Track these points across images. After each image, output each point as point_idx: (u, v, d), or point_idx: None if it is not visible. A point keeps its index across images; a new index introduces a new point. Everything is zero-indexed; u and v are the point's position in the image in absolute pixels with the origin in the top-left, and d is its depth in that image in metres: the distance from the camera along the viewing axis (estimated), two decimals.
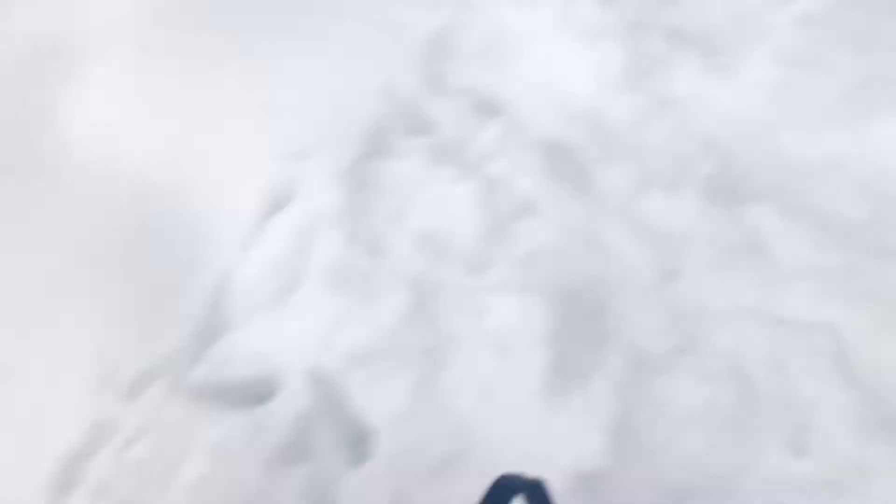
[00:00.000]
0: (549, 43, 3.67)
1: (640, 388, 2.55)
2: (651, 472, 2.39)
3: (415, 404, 2.61)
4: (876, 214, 2.88)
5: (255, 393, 2.79)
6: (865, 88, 3.16)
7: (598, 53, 3.55)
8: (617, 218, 3.03)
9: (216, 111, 3.52)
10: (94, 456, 2.75)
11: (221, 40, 3.72)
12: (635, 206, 3.06)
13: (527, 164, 3.23)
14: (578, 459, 2.40)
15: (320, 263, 3.04)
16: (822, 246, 2.82)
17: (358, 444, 2.60)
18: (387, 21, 3.81)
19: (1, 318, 3.04)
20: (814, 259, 2.79)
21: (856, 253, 2.78)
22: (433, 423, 2.57)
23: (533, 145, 3.29)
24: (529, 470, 1.67)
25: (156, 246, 3.21)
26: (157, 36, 3.86)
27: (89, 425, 2.78)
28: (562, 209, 3.10)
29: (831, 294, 2.66)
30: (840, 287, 2.68)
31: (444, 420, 2.57)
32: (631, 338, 2.68)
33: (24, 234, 3.25)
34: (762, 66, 3.29)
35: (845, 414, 2.40)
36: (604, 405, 2.51)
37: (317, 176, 3.27)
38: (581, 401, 2.53)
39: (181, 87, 3.64)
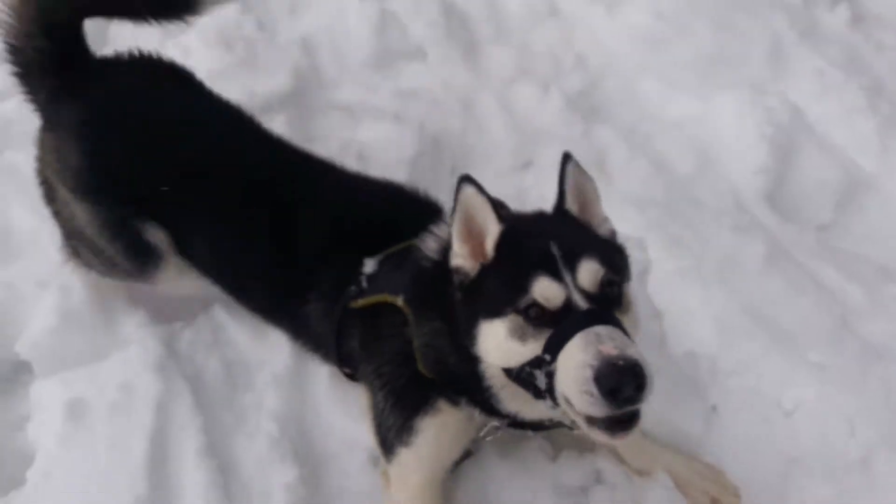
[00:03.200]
0: None
1: None
2: None
3: None
4: (699, 171, 3.16)
5: None
6: (715, 63, 3.44)
7: None
8: (493, 95, 3.23)
9: None
10: None
11: None
12: (511, 91, 3.27)
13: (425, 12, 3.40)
14: None
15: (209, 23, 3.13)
16: (651, 183, 3.07)
17: None
18: None
19: None
20: (643, 191, 3.03)
21: (677, 198, 3.02)
22: None
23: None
24: None
25: None
26: None
27: None
28: (448, 67, 3.28)
29: (650, 224, 2.86)
30: (658, 222, 2.88)
31: None
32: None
33: None
34: (640, 13, 3.50)
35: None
36: None
37: None
38: None
39: None
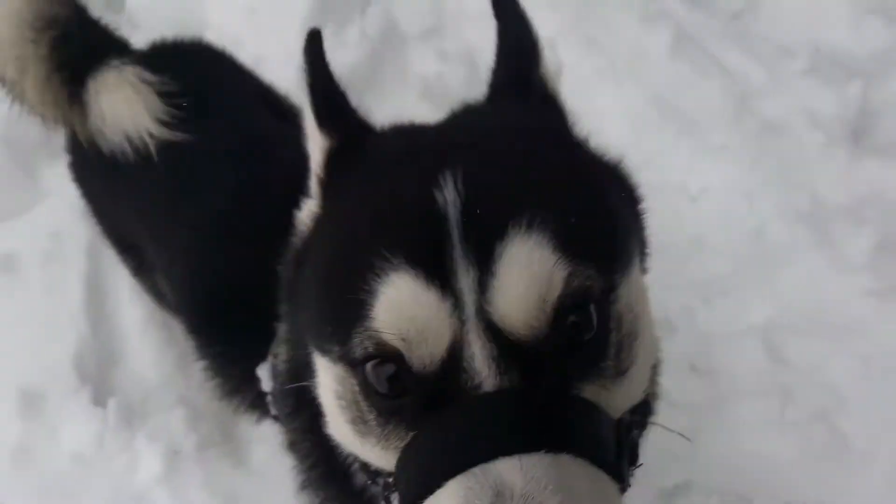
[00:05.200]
0: None
1: (387, 53, 2.77)
2: None
3: None
4: None
5: None
6: None
7: None
8: None
9: None
10: None
11: None
12: None
13: None
14: None
15: None
16: None
17: None
18: None
19: None
20: None
21: None
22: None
23: None
24: None
25: None
26: None
27: None
28: None
29: (565, 24, 2.81)
30: (572, 21, 2.83)
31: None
32: (390, 10, 2.84)
33: None
34: None
35: None
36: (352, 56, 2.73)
37: None
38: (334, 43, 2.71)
39: None
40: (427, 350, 0.83)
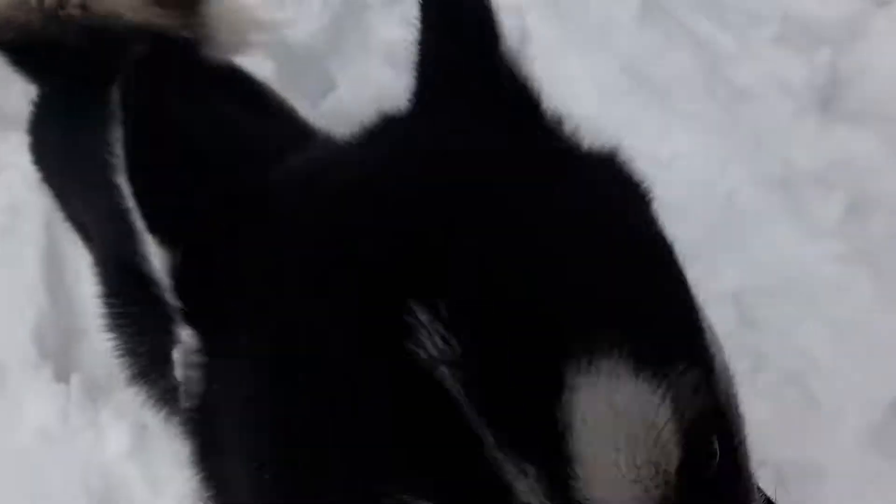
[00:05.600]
0: None
1: (350, 19, 2.74)
2: None
3: None
4: None
5: None
6: None
7: None
8: None
9: None
10: None
11: None
12: None
13: None
14: None
15: None
16: None
17: None
18: None
19: None
20: None
21: None
22: None
23: None
24: None
25: None
26: None
27: None
28: None
29: None
30: None
31: None
32: None
33: None
34: None
35: None
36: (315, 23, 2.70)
37: None
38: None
39: None
40: None
